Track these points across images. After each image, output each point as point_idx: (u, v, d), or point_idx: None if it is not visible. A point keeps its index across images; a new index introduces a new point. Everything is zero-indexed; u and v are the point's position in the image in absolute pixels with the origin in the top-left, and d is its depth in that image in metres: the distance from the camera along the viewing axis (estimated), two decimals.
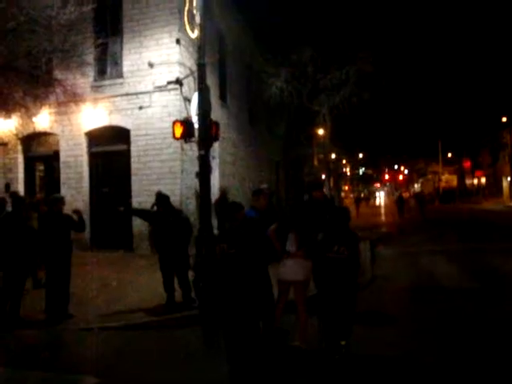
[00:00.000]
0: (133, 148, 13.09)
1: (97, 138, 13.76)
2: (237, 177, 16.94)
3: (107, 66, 13.64)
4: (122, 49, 13.29)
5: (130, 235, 12.78)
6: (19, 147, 14.60)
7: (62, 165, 13.92)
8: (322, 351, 4.94)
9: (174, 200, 10.08)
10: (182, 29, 11.67)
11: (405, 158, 75.91)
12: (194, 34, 7.07)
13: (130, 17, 13.11)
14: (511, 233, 16.54)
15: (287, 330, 5.52)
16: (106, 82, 13.51)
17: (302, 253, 5.27)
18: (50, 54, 11.04)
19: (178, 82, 12.24)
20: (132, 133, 13.11)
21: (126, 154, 13.20)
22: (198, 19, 6.88)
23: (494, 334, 5.69)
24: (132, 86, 13.08)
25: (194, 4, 7.06)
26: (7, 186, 14.05)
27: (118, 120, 13.34)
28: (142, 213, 9.09)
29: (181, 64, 12.64)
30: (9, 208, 8.67)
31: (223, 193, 11.75)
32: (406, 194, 58.72)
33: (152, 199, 9.62)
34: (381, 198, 77.23)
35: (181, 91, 12.17)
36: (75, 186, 13.68)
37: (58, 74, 12.60)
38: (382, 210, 40.51)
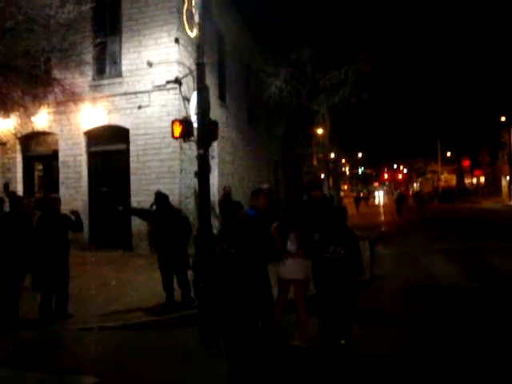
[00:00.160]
0: (132, 147, 13.07)
1: (96, 137, 13.74)
2: (236, 176, 16.93)
3: (106, 65, 13.62)
4: (120, 48, 13.27)
5: (129, 235, 12.77)
6: (18, 147, 14.57)
7: (60, 164, 13.90)
8: (322, 351, 4.94)
9: (173, 199, 10.07)
10: (180, 28, 11.66)
11: (404, 157, 75.93)
12: (193, 34, 7.06)
13: (128, 16, 13.09)
14: (510, 232, 16.56)
15: (286, 330, 5.52)
16: (105, 82, 13.49)
17: (303, 252, 5.27)
18: (48, 54, 11.02)
19: (177, 81, 12.23)
20: (131, 132, 13.09)
21: (125, 154, 13.18)
22: (196, 18, 6.87)
23: (492, 333, 5.69)
24: (131, 86, 13.07)
25: (193, 3, 7.05)
26: (6, 185, 14.04)
27: (116, 119, 13.33)
28: (141, 212, 9.09)
29: (180, 63, 12.62)
30: (7, 208, 8.66)
31: (227, 193, 11.73)
32: (407, 192, 58.89)
33: (151, 198, 9.63)
34: (380, 197, 77.24)
35: (180, 90, 12.17)
36: (74, 185, 13.66)
37: (56, 73, 12.59)
38: (381, 210, 40.51)
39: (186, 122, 7.14)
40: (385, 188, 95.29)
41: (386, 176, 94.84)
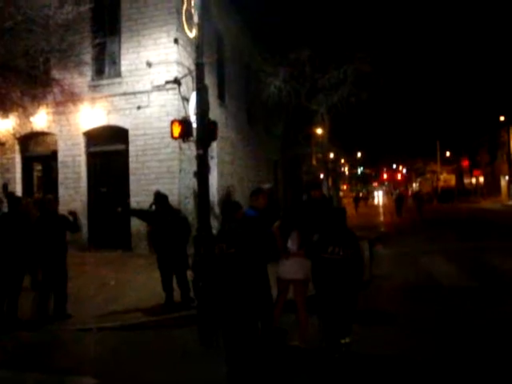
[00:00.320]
0: (131, 148, 13.07)
1: (95, 137, 13.74)
2: (235, 176, 16.93)
3: (105, 65, 13.62)
4: (119, 48, 13.26)
5: (128, 235, 12.76)
6: (17, 147, 14.56)
7: (59, 165, 13.89)
8: (321, 350, 4.94)
9: (173, 200, 10.06)
10: (180, 28, 11.66)
11: (403, 157, 76.02)
12: (192, 34, 7.06)
13: (128, 16, 13.08)
14: (509, 231, 16.57)
15: (286, 330, 5.52)
16: (104, 82, 13.48)
17: (304, 252, 5.26)
18: (47, 54, 11.02)
19: (177, 81, 12.23)
20: (130, 132, 13.09)
21: (125, 154, 13.18)
22: (196, 19, 6.88)
23: (491, 332, 5.69)
24: (130, 86, 13.06)
25: (192, 4, 7.05)
26: (5, 186, 14.02)
27: (116, 120, 13.32)
28: (140, 213, 9.07)
29: (179, 63, 12.62)
30: (6, 209, 8.65)
31: (228, 193, 11.73)
32: (406, 192, 58.88)
33: (150, 199, 9.60)
34: (379, 197, 77.27)
35: (179, 91, 12.18)
36: (73, 185, 13.65)
37: (55, 73, 12.58)
38: (381, 210, 40.52)
39: (185, 123, 7.14)
40: (384, 188, 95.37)
41: (385, 176, 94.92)
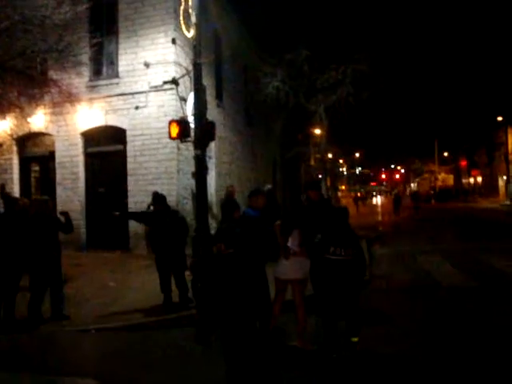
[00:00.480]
0: (129, 148, 13.05)
1: (93, 138, 13.71)
2: (233, 177, 16.92)
3: (103, 65, 13.59)
4: (117, 48, 13.24)
5: (126, 235, 12.74)
6: (14, 148, 14.50)
7: (57, 165, 13.84)
8: (320, 350, 4.94)
9: (171, 200, 10.05)
10: (177, 28, 11.63)
11: (401, 157, 76.09)
12: (190, 34, 7.05)
13: (125, 16, 13.06)
14: (507, 231, 16.59)
15: (284, 330, 5.51)
16: (102, 82, 13.46)
17: (304, 251, 5.25)
18: (44, 54, 10.97)
19: (174, 81, 12.16)
20: (128, 133, 13.06)
21: (122, 154, 13.15)
22: (193, 19, 6.87)
23: (491, 332, 5.69)
24: (128, 86, 13.04)
25: (190, 3, 7.04)
26: (2, 186, 13.98)
27: (113, 120, 13.29)
28: (137, 215, 8.89)
29: (177, 64, 12.59)
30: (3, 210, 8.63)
31: (230, 192, 11.72)
32: (404, 192, 58.95)
33: (148, 199, 9.60)
34: (377, 197, 77.35)
35: (177, 91, 12.06)
36: (71, 186, 13.61)
37: (53, 73, 12.53)
38: (379, 209, 40.57)
39: (183, 123, 7.13)
40: (382, 188, 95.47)
41: (383, 176, 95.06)
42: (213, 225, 9.94)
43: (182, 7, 7.37)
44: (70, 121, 13.59)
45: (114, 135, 13.36)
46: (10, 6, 9.60)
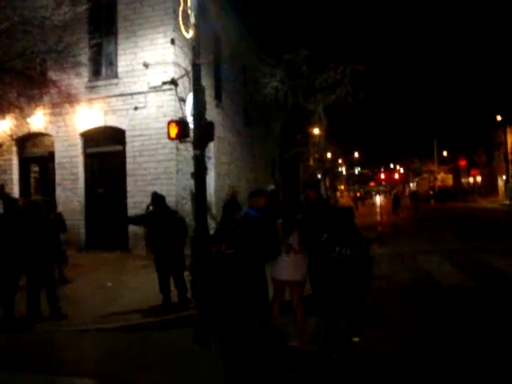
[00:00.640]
0: (128, 148, 13.06)
1: (92, 138, 13.72)
2: (232, 177, 16.94)
3: (102, 66, 13.60)
4: (116, 49, 13.25)
5: (125, 236, 12.75)
6: (14, 148, 14.51)
7: (57, 166, 13.86)
8: (320, 350, 4.95)
9: (170, 200, 10.06)
10: (176, 29, 11.66)
11: (400, 156, 76.16)
12: (189, 34, 7.08)
13: (124, 17, 13.07)
14: (507, 231, 16.60)
15: (283, 330, 5.52)
16: (101, 83, 13.47)
17: (303, 249, 5.25)
18: (44, 55, 11.00)
19: (173, 82, 12.22)
20: (127, 133, 13.07)
21: (122, 155, 13.17)
22: (192, 19, 6.89)
23: (491, 332, 5.70)
24: (127, 87, 13.05)
25: (189, 4, 7.06)
26: (2, 187, 13.99)
27: (113, 120, 13.31)
28: (137, 220, 8.69)
29: (176, 64, 12.61)
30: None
31: (233, 193, 11.73)
32: (403, 192, 58.95)
33: (147, 200, 9.58)
34: (377, 197, 77.36)
35: (176, 91, 12.16)
36: (70, 186, 13.63)
37: (52, 74, 12.56)
38: (378, 209, 40.56)
39: (182, 123, 7.16)
40: (381, 188, 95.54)
41: (382, 176, 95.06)
42: (212, 225, 9.96)
43: (181, 8, 7.39)
44: (70, 121, 13.61)
45: (114, 136, 13.37)
46: (9, 7, 9.62)
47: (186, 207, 12.60)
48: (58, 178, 13.82)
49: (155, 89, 12.65)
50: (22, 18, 9.77)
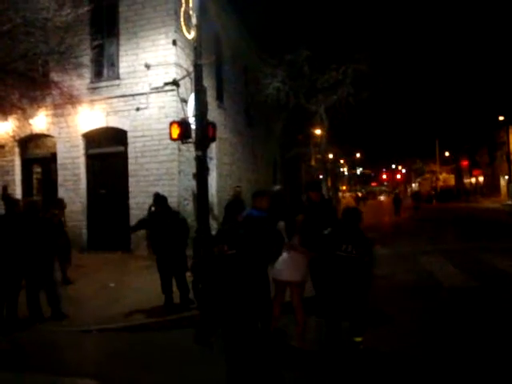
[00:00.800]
0: (130, 149, 13.08)
1: (94, 139, 13.76)
2: (234, 178, 16.94)
3: (104, 67, 13.63)
4: (118, 50, 13.28)
5: (127, 236, 12.74)
6: (16, 149, 14.57)
7: (59, 167, 13.90)
8: (322, 350, 4.96)
9: (172, 201, 10.07)
10: (178, 30, 11.68)
11: (402, 157, 76.11)
12: (191, 35, 7.09)
13: (125, 18, 13.10)
14: (509, 231, 16.57)
15: (284, 331, 5.53)
16: (103, 84, 13.50)
17: (304, 248, 5.26)
18: (46, 56, 11.05)
19: (175, 83, 12.22)
20: (129, 134, 13.10)
21: (123, 156, 13.19)
22: (194, 20, 6.91)
23: (491, 332, 5.70)
24: (129, 88, 13.08)
25: (191, 5, 7.08)
26: (4, 188, 14.04)
27: (114, 121, 13.33)
28: (140, 225, 8.24)
29: (177, 65, 12.63)
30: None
31: (237, 193, 11.73)
32: (405, 192, 58.83)
33: (149, 200, 9.63)
34: (378, 197, 77.26)
35: (177, 92, 12.17)
36: (72, 187, 13.66)
37: (54, 75, 12.59)
38: (380, 209, 40.52)
39: (183, 124, 7.17)
40: (383, 188, 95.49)
41: (384, 176, 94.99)
42: (214, 226, 9.98)
43: (182, 9, 7.41)
44: (72, 122, 13.64)
45: (115, 137, 13.40)
46: (11, 9, 9.66)
47: (188, 208, 12.62)
48: (60, 178, 13.85)
49: (157, 90, 12.67)
50: (24, 19, 9.81)
